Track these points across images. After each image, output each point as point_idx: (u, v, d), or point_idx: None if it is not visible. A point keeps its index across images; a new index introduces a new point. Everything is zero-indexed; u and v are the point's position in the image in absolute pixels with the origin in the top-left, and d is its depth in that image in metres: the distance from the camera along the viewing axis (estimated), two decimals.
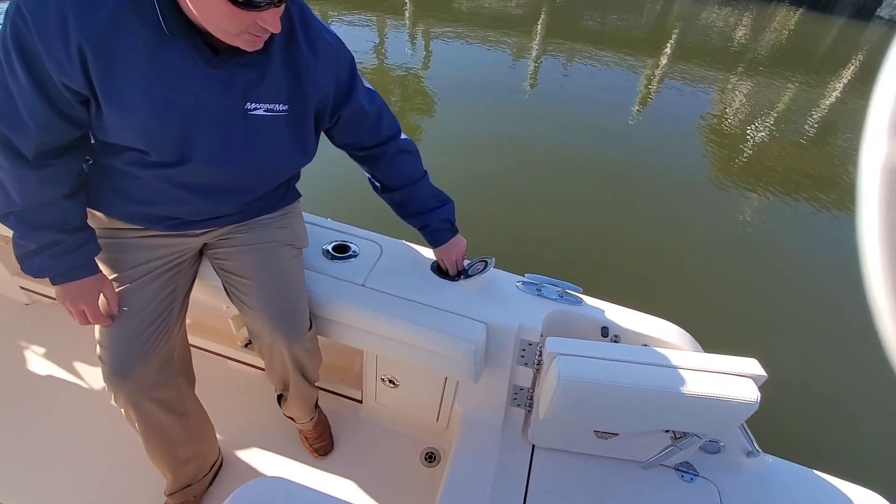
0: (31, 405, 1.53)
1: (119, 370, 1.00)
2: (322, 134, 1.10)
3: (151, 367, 1.04)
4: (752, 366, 1.11)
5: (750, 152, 4.90)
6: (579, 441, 1.32)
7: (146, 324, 1.03)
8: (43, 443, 1.45)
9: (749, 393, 1.06)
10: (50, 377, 1.62)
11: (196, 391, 1.27)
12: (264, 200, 1.13)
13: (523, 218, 3.41)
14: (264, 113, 0.91)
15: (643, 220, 3.55)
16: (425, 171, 1.25)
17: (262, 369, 1.68)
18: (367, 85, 1.10)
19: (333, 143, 1.16)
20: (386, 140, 1.17)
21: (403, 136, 1.20)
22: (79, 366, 1.66)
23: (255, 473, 1.46)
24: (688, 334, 1.30)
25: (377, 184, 1.25)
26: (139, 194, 0.97)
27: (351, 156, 1.22)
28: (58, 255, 0.92)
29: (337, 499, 0.85)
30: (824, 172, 4.80)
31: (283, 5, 0.76)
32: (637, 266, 3.11)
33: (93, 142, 0.92)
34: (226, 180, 0.98)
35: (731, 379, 1.08)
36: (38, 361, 1.66)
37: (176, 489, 1.28)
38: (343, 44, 1.01)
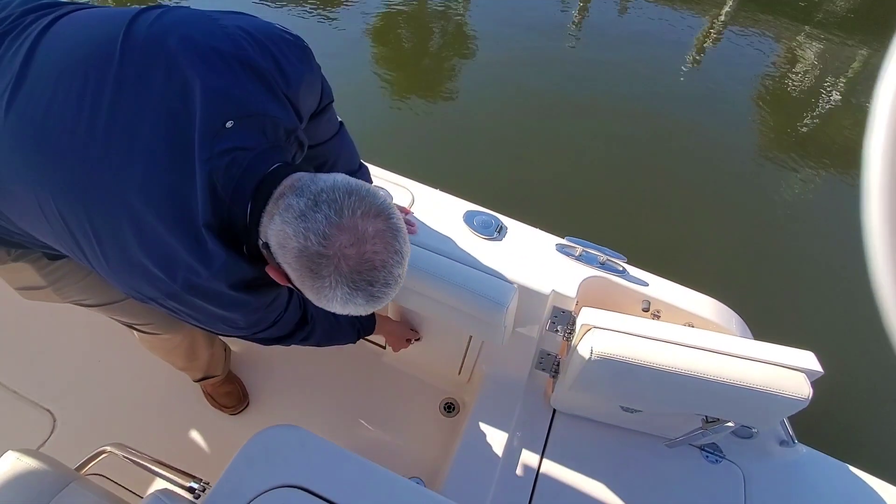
0: (73, 323, 1.60)
1: None
2: None
3: None
4: (808, 359, 1.01)
5: (818, 122, 4.40)
6: (603, 412, 1.28)
7: None
8: (86, 356, 1.53)
9: (800, 389, 0.97)
10: None
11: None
12: None
13: (565, 176, 3.21)
14: None
15: (701, 190, 3.28)
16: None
17: None
18: None
19: None
20: None
21: None
22: None
23: (277, 419, 1.51)
24: (738, 317, 1.19)
25: None
26: None
27: None
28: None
29: (348, 452, 0.84)
30: None
31: None
32: (690, 239, 2.90)
33: None
34: None
35: (782, 371, 1.00)
36: None
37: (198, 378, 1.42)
38: None
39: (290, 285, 0.68)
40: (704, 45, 5.30)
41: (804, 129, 4.33)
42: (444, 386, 1.57)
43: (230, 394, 1.47)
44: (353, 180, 0.67)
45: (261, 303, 0.77)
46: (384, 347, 1.62)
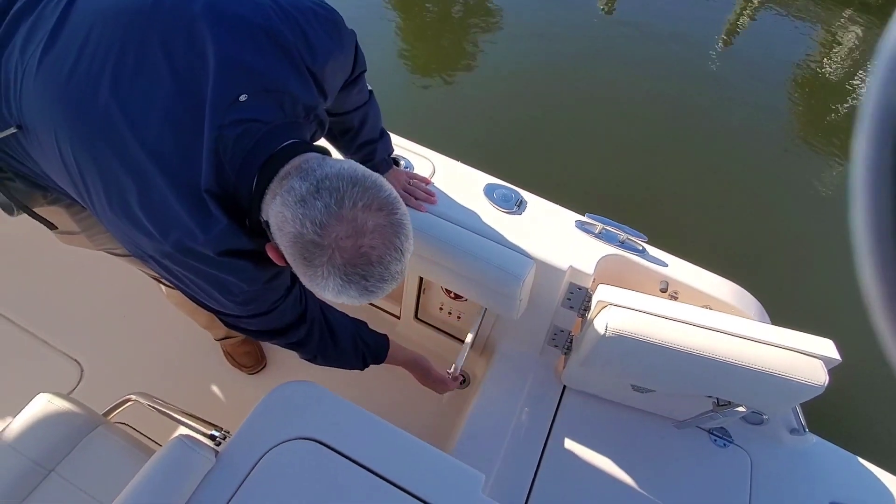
0: (101, 278, 1.65)
1: None
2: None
3: None
4: (826, 347, 1.00)
5: (852, 109, 4.22)
6: (613, 390, 1.29)
7: None
8: (114, 310, 1.58)
9: (816, 375, 0.96)
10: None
11: None
12: None
13: (588, 153, 3.15)
14: None
15: (727, 173, 3.20)
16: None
17: None
18: None
19: None
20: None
21: None
22: None
23: (293, 379, 1.54)
24: (757, 302, 1.18)
25: None
26: None
27: None
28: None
29: (363, 410, 0.87)
30: None
31: None
32: (712, 221, 2.85)
33: None
34: None
35: (798, 357, 0.99)
36: None
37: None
38: None
39: (287, 267, 0.68)
40: (738, 23, 5.07)
41: (838, 116, 4.17)
42: (454, 357, 1.59)
43: (248, 353, 1.51)
44: (361, 169, 0.65)
45: (259, 274, 0.74)
46: (398, 317, 1.64)
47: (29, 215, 0.87)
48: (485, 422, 1.24)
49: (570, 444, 1.24)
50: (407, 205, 1.05)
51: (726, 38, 4.84)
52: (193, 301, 0.80)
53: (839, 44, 5.15)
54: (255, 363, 1.52)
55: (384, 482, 0.77)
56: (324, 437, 0.80)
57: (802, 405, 1.23)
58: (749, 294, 1.19)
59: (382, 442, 0.82)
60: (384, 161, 1.15)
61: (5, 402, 1.40)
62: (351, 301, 0.65)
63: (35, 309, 1.56)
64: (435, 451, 0.83)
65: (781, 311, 1.26)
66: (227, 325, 0.85)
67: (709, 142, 3.46)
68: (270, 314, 0.82)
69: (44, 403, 0.99)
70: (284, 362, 1.56)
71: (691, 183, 3.10)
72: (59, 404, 1.00)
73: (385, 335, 1.09)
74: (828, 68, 4.79)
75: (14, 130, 0.70)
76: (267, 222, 0.66)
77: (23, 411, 0.98)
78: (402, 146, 1.34)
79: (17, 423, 0.96)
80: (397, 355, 1.13)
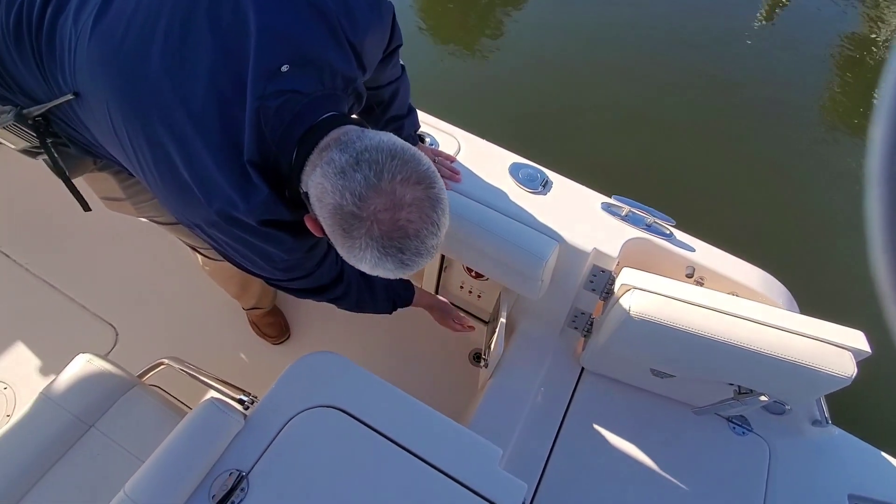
0: (137, 247, 1.71)
1: None
2: None
3: None
4: (856, 338, 0.98)
5: None
6: (631, 374, 1.28)
7: None
8: (148, 278, 1.64)
9: (844, 367, 0.94)
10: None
11: None
12: None
13: (616, 133, 3.07)
14: None
15: (763, 155, 3.08)
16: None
17: None
18: None
19: None
20: None
21: None
22: None
23: (304, 336, 1.59)
24: (786, 290, 1.15)
25: None
26: None
27: None
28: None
29: (385, 382, 0.89)
30: None
31: None
32: (744, 205, 2.75)
33: None
34: None
35: (826, 348, 0.97)
36: None
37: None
38: None
39: (324, 237, 0.69)
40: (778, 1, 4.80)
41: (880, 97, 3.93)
42: (474, 336, 1.61)
43: (273, 325, 1.56)
44: (400, 142, 0.66)
45: (298, 245, 0.77)
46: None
47: (69, 188, 0.90)
48: (502, 399, 1.25)
49: (586, 425, 1.25)
50: None
51: (767, 11, 4.58)
52: (239, 268, 0.83)
53: (884, 21, 4.84)
54: (279, 334, 1.57)
55: (404, 451, 0.80)
56: (347, 405, 0.83)
57: (826, 396, 1.21)
58: (778, 282, 1.16)
59: (403, 413, 0.84)
60: (410, 138, 1.14)
61: (49, 360, 1.48)
62: (386, 274, 0.66)
63: (76, 276, 1.63)
64: (454, 424, 0.84)
65: (812, 301, 1.23)
66: (270, 284, 0.90)
67: (743, 120, 3.33)
68: (310, 277, 0.87)
69: (84, 363, 1.05)
70: (308, 335, 1.61)
71: (723, 164, 3.00)
72: (98, 364, 1.05)
73: (409, 281, 1.15)
74: (872, 47, 4.52)
75: (70, 97, 0.72)
76: (306, 193, 0.67)
77: (65, 370, 1.04)
78: (427, 123, 1.33)
79: (60, 381, 1.02)
80: (421, 299, 1.23)
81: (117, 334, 1.54)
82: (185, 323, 1.58)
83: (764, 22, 4.44)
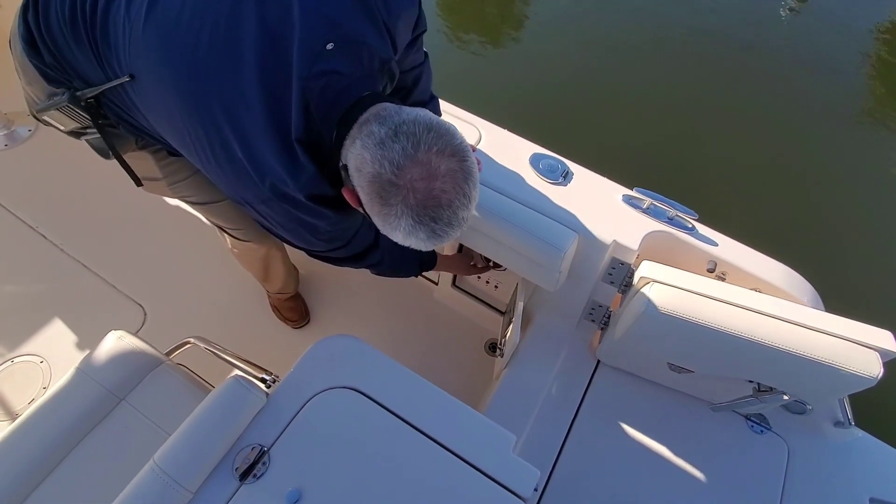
0: (166, 231, 1.76)
1: None
2: None
3: None
4: (884, 338, 0.95)
5: None
6: (648, 368, 1.28)
7: None
8: (176, 260, 1.70)
9: (870, 367, 0.92)
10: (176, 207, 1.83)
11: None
12: None
13: (641, 124, 3.01)
14: None
15: (789, 150, 2.98)
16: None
17: None
18: None
19: None
20: None
21: None
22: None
23: (323, 319, 1.63)
24: (811, 287, 1.13)
25: None
26: None
27: None
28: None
29: (402, 366, 0.91)
30: None
31: None
32: (769, 201, 2.67)
33: None
34: None
35: (852, 347, 0.95)
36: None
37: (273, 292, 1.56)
38: None
39: (360, 209, 0.72)
40: None
41: None
42: (489, 326, 1.62)
43: (294, 309, 1.59)
44: (434, 117, 0.68)
45: (338, 218, 0.82)
46: (436, 283, 1.67)
47: (121, 164, 0.94)
48: (517, 389, 1.26)
49: (600, 417, 1.25)
50: None
51: (795, 3, 4.38)
52: (283, 241, 0.91)
53: None
54: (299, 318, 1.60)
55: (419, 433, 0.81)
56: (365, 387, 0.85)
57: (851, 398, 1.18)
58: (803, 279, 1.14)
59: (419, 396, 0.86)
60: None
61: (81, 337, 1.55)
62: (418, 244, 0.69)
63: (107, 258, 1.69)
64: (469, 410, 0.86)
65: (840, 298, 1.20)
66: (312, 256, 0.96)
67: (771, 112, 3.22)
68: (348, 245, 0.93)
69: (115, 340, 1.10)
70: (328, 321, 1.64)
71: (750, 157, 2.92)
72: (130, 341, 1.10)
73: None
74: None
75: (126, 79, 0.76)
76: (345, 166, 0.70)
77: (99, 346, 1.08)
78: (449, 112, 1.34)
79: (94, 356, 1.07)
80: (443, 262, 1.29)
81: (146, 314, 1.60)
82: (211, 305, 1.63)
83: (792, 12, 4.27)
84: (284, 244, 1.25)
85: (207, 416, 0.78)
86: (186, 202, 1.12)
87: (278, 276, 1.46)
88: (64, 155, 1.83)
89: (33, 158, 1.89)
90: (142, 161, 0.99)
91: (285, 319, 1.61)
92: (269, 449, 0.78)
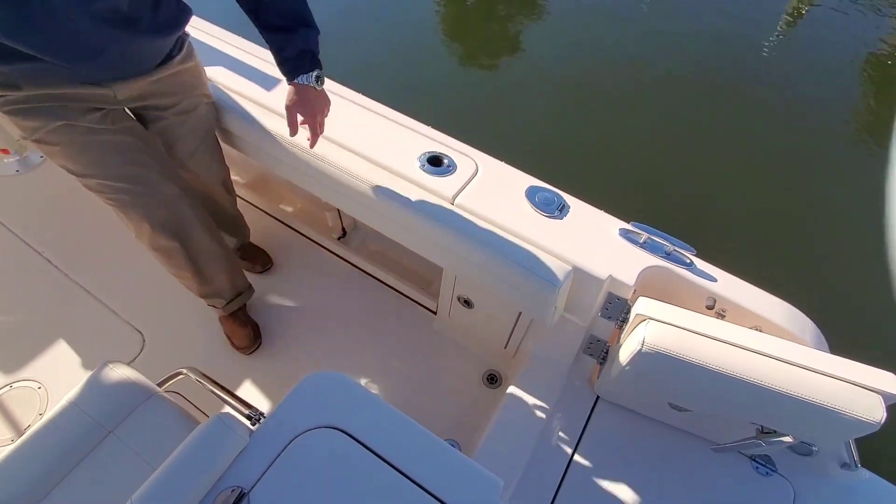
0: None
1: None
2: None
3: None
4: (887, 380, 0.92)
5: None
6: (649, 405, 1.24)
7: None
8: (174, 288, 1.71)
9: (872, 411, 0.89)
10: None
11: (287, 268, 1.66)
12: None
13: (634, 157, 3.00)
14: None
15: (788, 181, 2.95)
16: None
17: (348, 261, 1.77)
18: None
19: None
20: None
21: None
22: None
23: (324, 349, 1.61)
24: (814, 326, 1.10)
25: None
26: None
27: None
28: None
29: (389, 405, 0.89)
30: None
31: None
32: (770, 236, 2.64)
33: None
34: None
35: (854, 390, 0.91)
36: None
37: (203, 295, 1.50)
38: None
39: None
40: (800, 10, 4.57)
41: None
42: (488, 357, 1.60)
43: (241, 334, 1.56)
44: None
45: None
46: (435, 313, 1.66)
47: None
48: (512, 425, 1.23)
49: (599, 456, 1.22)
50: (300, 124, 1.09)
51: (786, 25, 4.37)
52: None
53: None
54: (248, 344, 1.56)
55: (402, 477, 0.79)
56: (349, 427, 0.83)
57: (857, 439, 1.14)
58: (806, 317, 1.11)
59: (404, 438, 0.84)
60: (299, 59, 1.03)
61: (80, 362, 1.55)
62: None
63: (109, 283, 1.70)
64: (455, 453, 0.84)
65: (844, 337, 1.16)
66: None
67: (769, 146, 3.20)
68: None
69: (106, 371, 1.09)
70: (321, 356, 1.62)
71: (749, 192, 2.89)
72: (121, 372, 1.10)
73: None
74: None
75: None
76: None
77: (90, 376, 1.08)
78: (447, 145, 1.34)
79: (84, 387, 1.07)
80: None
81: (144, 341, 1.60)
82: (209, 333, 1.63)
83: (784, 29, 4.25)
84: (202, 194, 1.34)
85: (187, 457, 0.77)
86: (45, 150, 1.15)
87: (211, 257, 1.40)
88: (74, 181, 1.86)
89: (43, 184, 1.94)
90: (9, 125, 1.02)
91: (236, 347, 1.57)
92: (248, 491, 0.77)
